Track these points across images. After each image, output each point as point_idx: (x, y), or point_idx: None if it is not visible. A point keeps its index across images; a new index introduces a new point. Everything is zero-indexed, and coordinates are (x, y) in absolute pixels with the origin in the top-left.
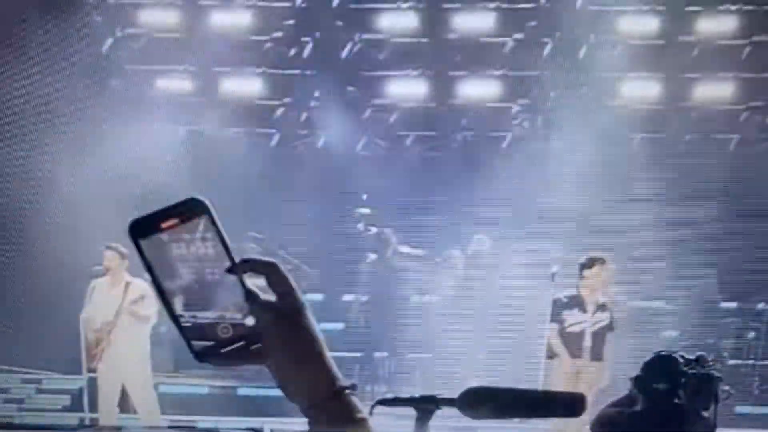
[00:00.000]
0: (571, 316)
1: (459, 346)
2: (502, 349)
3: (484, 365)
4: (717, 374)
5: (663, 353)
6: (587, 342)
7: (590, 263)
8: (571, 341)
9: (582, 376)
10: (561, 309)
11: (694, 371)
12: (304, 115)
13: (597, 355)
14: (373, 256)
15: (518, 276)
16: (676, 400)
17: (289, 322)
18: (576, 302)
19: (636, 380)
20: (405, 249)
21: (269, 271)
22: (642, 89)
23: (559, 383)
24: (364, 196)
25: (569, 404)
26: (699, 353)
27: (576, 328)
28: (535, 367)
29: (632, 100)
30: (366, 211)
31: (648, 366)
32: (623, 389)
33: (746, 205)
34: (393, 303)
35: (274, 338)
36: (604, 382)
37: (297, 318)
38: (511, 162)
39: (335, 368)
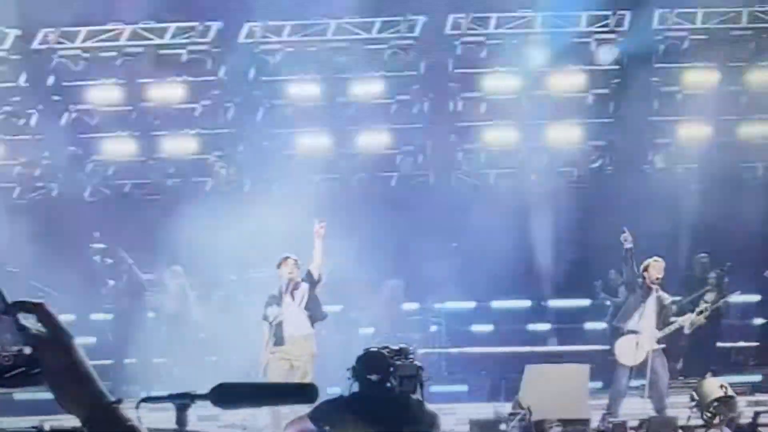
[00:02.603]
0: (272, 312)
1: (192, 351)
2: (230, 351)
3: (215, 366)
4: (419, 363)
5: (372, 349)
6: (290, 329)
7: (280, 262)
8: (277, 332)
9: (296, 364)
10: (267, 307)
11: (400, 362)
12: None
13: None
14: (112, 282)
15: (238, 288)
16: (388, 385)
17: (59, 350)
18: (275, 298)
19: (352, 371)
20: (139, 274)
21: (37, 309)
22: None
23: (277, 370)
24: (96, 234)
25: (301, 392)
26: (402, 345)
27: (279, 320)
28: (256, 361)
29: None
30: (100, 246)
31: (360, 360)
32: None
33: (424, 227)
34: (134, 318)
35: (49, 364)
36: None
37: (66, 346)
38: (214, 202)
39: (102, 385)
